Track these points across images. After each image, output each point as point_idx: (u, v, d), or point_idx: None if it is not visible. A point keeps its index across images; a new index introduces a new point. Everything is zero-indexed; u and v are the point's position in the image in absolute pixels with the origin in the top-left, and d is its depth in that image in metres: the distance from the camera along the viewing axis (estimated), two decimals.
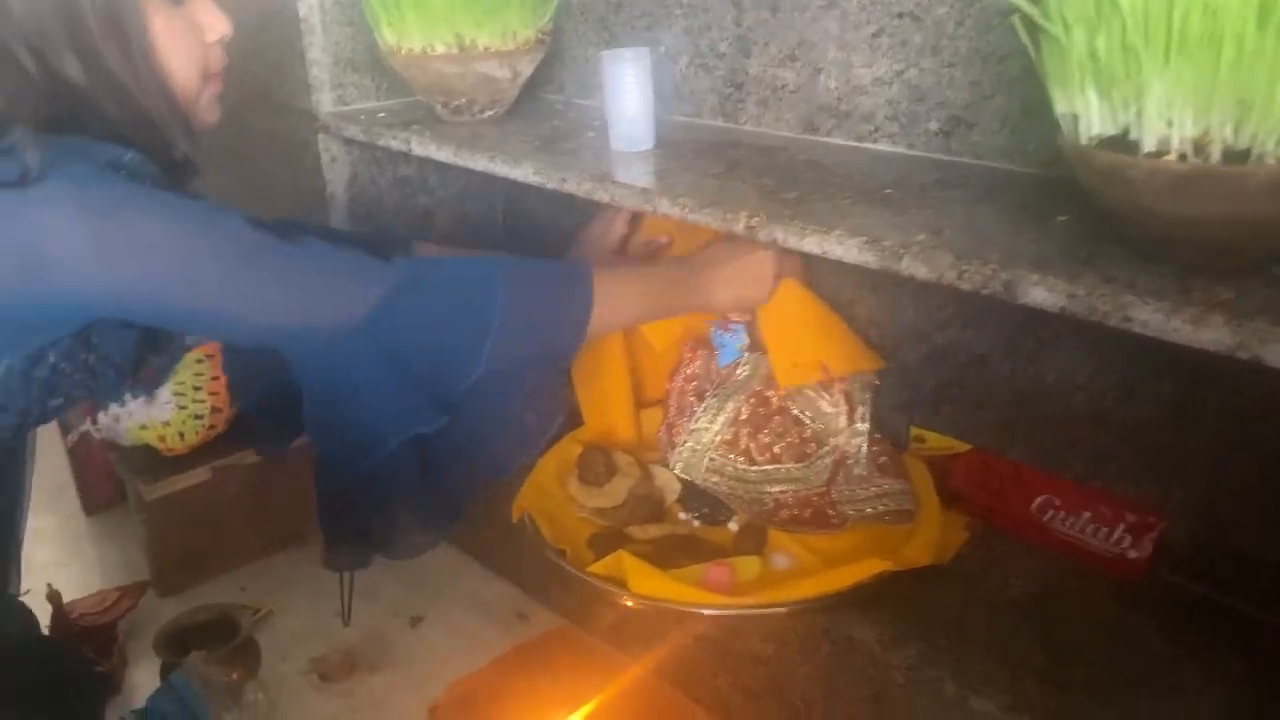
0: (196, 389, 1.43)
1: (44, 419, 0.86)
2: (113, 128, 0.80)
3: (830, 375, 1.12)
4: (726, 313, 1.18)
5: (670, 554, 1.08)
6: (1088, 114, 0.73)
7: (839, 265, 0.89)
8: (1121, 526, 1.06)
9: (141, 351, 0.89)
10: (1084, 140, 0.74)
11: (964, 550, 1.10)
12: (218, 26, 0.89)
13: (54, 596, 1.31)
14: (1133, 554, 1.05)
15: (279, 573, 1.51)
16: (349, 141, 1.46)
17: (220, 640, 1.22)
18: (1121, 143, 0.71)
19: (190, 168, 0.86)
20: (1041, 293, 0.74)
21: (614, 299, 1.00)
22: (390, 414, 0.88)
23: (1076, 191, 0.78)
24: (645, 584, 1.00)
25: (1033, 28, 0.77)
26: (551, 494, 1.18)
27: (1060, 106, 0.76)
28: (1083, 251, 0.79)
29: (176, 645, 1.22)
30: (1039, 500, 1.12)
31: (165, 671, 1.20)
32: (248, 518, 1.50)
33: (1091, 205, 0.78)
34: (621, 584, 1.01)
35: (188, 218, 0.78)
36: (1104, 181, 0.73)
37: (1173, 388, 1.01)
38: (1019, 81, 1.01)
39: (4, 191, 0.71)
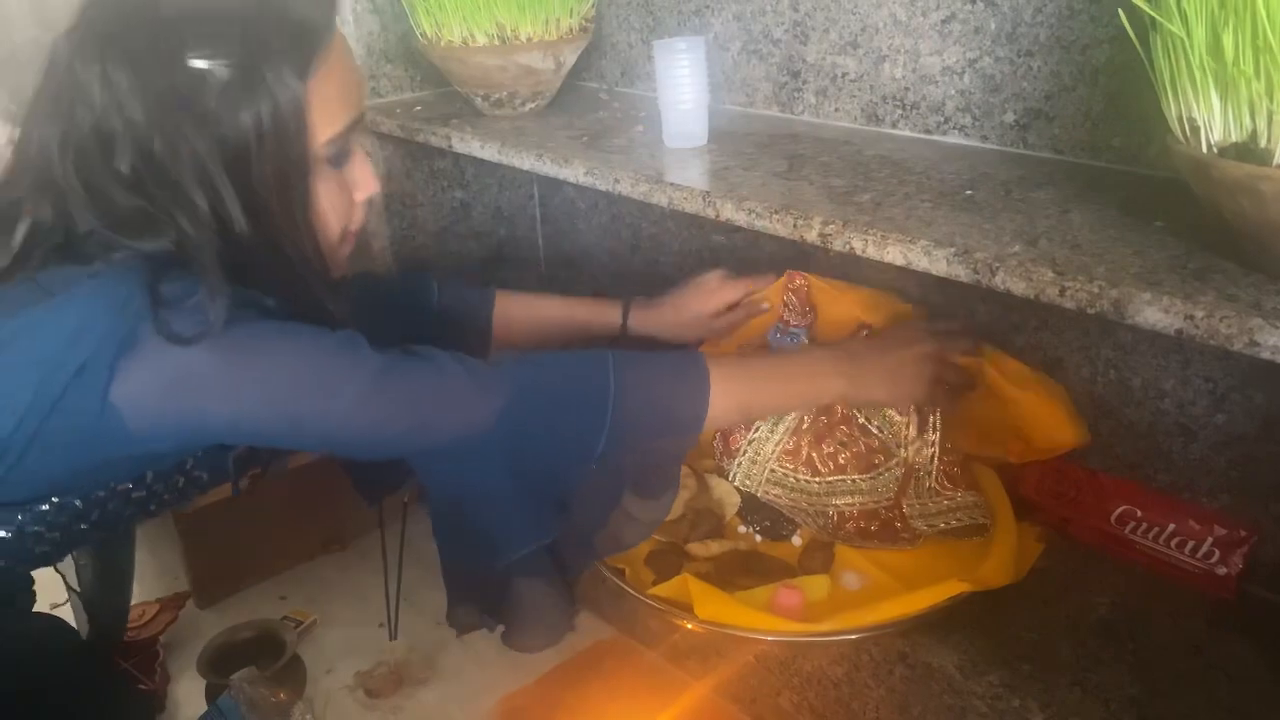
0: None
1: (133, 525, 0.95)
2: (260, 276, 0.79)
3: (1030, 456, 1.07)
4: (884, 408, 1.09)
5: (734, 573, 1.03)
6: (1209, 119, 0.67)
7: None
8: (1210, 540, 1.01)
9: (235, 470, 0.92)
10: (1204, 148, 0.68)
11: (1041, 565, 1.05)
12: (368, 186, 0.87)
13: None
14: (1221, 570, 1.00)
15: (321, 579, 1.47)
16: (383, 136, 1.40)
17: (266, 658, 1.19)
18: (1249, 151, 0.65)
19: (330, 321, 0.82)
20: (1155, 313, 0.69)
21: (737, 389, 0.92)
22: (513, 525, 0.90)
23: (1170, 191, 0.72)
24: (712, 609, 0.95)
25: (1140, 22, 0.71)
26: None
27: (1175, 109, 0.70)
28: (1193, 264, 0.73)
29: (221, 665, 1.18)
30: (1119, 511, 1.07)
31: (211, 693, 1.17)
32: (287, 524, 1.47)
33: (1198, 216, 0.72)
34: (687, 608, 0.97)
35: (318, 348, 0.78)
36: (1227, 194, 0.67)
37: (1265, 397, 0.96)
38: (1103, 72, 0.95)
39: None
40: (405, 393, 0.81)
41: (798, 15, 1.17)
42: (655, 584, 1.02)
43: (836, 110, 1.17)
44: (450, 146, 1.25)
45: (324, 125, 0.78)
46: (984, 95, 1.03)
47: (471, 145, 1.21)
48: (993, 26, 1.01)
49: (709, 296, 1.18)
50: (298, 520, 1.48)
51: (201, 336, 0.72)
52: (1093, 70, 0.95)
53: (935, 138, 1.08)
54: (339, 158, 0.82)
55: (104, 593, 1.04)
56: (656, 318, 1.18)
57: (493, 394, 0.84)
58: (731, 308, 1.19)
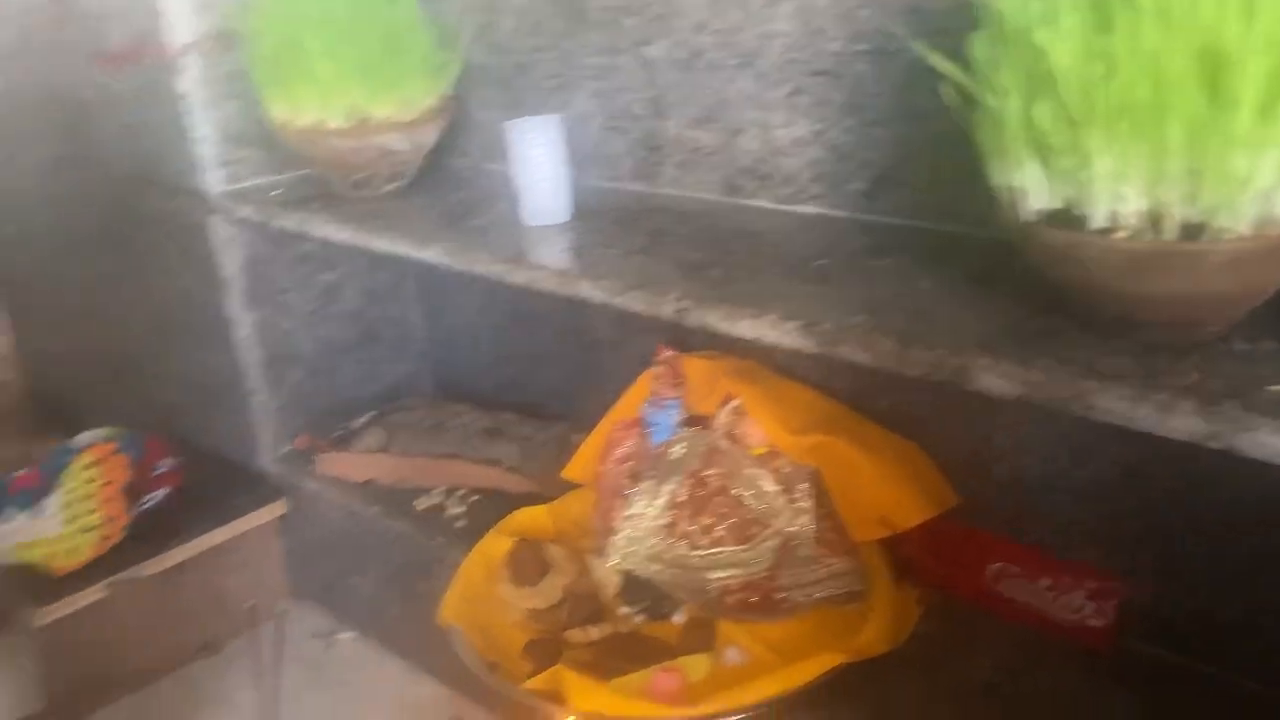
0: (87, 498, 1.31)
1: None
2: None
3: (895, 529, 1.03)
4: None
5: (613, 658, 1.00)
6: (1029, 187, 0.69)
7: None
8: (1082, 593, 1.02)
9: None
10: (1027, 215, 0.69)
11: (922, 629, 1.04)
12: None
13: None
14: (1094, 622, 1.01)
15: (192, 688, 1.39)
16: (243, 221, 1.36)
17: None
18: (1068, 218, 0.67)
19: None
20: (994, 379, 0.69)
21: None
22: None
23: (1013, 254, 0.73)
24: (587, 699, 0.92)
25: (964, 94, 0.72)
26: (481, 597, 1.10)
27: (999, 178, 0.71)
28: (1032, 327, 0.74)
29: None
30: (994, 567, 1.07)
31: None
32: (153, 632, 1.38)
33: (1036, 279, 0.73)
34: (561, 700, 0.93)
35: None
36: (1052, 259, 0.68)
37: (1121, 449, 0.97)
38: (945, 138, 0.96)
39: None
40: None
41: (655, 91, 1.18)
42: (532, 675, 0.98)
43: (697, 183, 1.18)
44: (307, 231, 1.21)
45: None
46: (834, 165, 1.05)
47: (327, 230, 1.19)
48: (837, 98, 1.03)
49: None
50: (165, 627, 1.40)
51: None
52: (936, 137, 0.97)
53: (791, 208, 1.10)
54: None
55: None
56: None
57: None
58: None
